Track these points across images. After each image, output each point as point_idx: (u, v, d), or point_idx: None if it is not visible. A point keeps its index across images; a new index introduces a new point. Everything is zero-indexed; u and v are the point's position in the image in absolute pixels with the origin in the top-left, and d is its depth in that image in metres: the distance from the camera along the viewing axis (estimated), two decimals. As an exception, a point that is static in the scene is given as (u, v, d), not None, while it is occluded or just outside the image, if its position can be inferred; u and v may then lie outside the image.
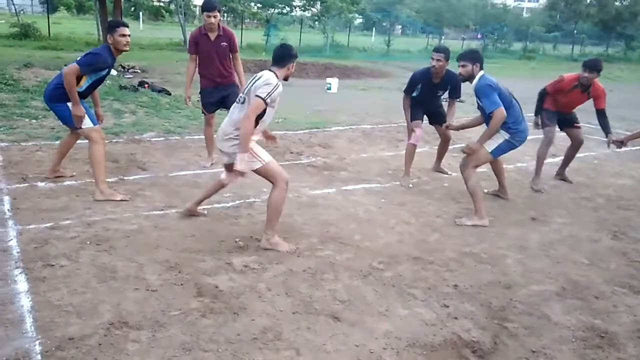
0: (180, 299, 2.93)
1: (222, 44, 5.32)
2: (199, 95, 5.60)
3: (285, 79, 3.67)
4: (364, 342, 2.65)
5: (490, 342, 2.72)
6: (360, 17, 40.08)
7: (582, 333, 2.85)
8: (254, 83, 3.52)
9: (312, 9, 27.75)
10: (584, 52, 32.53)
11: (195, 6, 44.54)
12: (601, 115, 5.44)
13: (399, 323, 2.86)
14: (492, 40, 31.79)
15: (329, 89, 12.56)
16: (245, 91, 3.60)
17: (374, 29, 38.50)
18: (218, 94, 5.45)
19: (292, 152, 6.42)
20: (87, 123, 4.39)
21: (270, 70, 3.59)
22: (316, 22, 28.43)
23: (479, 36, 38.29)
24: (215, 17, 5.20)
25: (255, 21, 31.77)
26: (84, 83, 4.32)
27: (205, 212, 4.25)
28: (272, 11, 27.78)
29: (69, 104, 4.27)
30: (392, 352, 2.59)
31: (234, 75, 5.50)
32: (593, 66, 5.25)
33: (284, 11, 27.63)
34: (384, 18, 36.42)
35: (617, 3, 40.95)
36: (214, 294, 3.01)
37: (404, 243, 3.95)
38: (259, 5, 29.13)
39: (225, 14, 34.85)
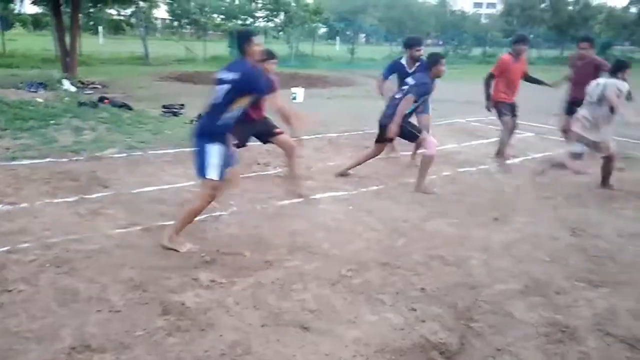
0: (145, 319, 2.88)
1: None
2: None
3: None
4: (333, 351, 2.66)
5: (457, 343, 2.76)
6: (324, 26, 40.44)
7: (545, 329, 2.92)
8: None
9: (275, 19, 27.81)
10: (541, 55, 33.50)
11: (156, 19, 44.10)
12: (529, 77, 6.79)
13: (368, 329, 2.87)
14: (452, 47, 32.48)
15: (295, 98, 12.59)
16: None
17: (337, 38, 38.89)
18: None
19: (259, 164, 6.41)
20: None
21: None
22: (280, 33, 28.53)
23: (440, 43, 39.10)
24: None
25: (219, 32, 31.65)
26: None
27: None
28: (235, 22, 27.71)
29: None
30: (361, 359, 2.60)
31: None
32: (523, 38, 6.85)
33: (247, 22, 27.60)
34: (348, 27, 36.85)
35: (569, 8, 42.48)
36: (180, 311, 2.97)
37: (372, 249, 3.98)
38: (222, 16, 29.04)
39: (188, 26, 34.66)
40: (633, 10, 44.68)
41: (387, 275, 3.54)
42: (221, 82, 3.66)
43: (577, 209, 5.03)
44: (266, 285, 3.31)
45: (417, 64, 6.29)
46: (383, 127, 5.50)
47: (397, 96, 5.52)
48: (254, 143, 7.43)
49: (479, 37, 36.66)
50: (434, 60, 5.45)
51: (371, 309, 3.08)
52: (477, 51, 33.95)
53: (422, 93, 5.42)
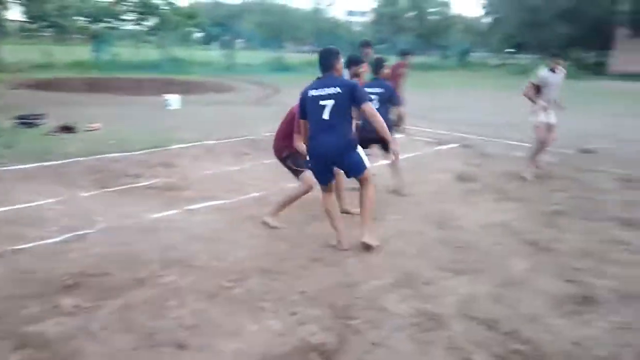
0: (-2, 355, 2.58)
1: None
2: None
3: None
4: (211, 366, 2.58)
5: (336, 342, 2.83)
6: (200, 31, 39.55)
7: (415, 319, 3.10)
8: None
9: (145, 23, 26.60)
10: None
11: (11, 21, 40.00)
12: None
13: (250, 339, 2.84)
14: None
15: (169, 105, 12.16)
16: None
17: (215, 42, 38.25)
18: None
19: (129, 175, 6.06)
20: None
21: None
22: (152, 37, 27.38)
23: (316, 49, 40.08)
24: None
25: (83, 36, 29.56)
26: None
27: None
28: (100, 25, 26.05)
29: None
30: (241, 371, 2.56)
31: None
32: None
33: (114, 25, 26.08)
34: (224, 32, 36.38)
35: (432, 17, 45.95)
36: (39, 342, 2.70)
37: (253, 257, 3.94)
38: (86, 19, 27.14)
39: (49, 29, 31.96)
40: (486, 20, 49.51)
41: (269, 281, 3.53)
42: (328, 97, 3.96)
43: (440, 205, 5.41)
44: (137, 305, 3.13)
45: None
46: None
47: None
48: (123, 153, 7.08)
49: (352, 44, 38.16)
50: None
51: (252, 318, 3.05)
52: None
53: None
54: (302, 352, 2.72)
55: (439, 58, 40.95)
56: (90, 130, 8.73)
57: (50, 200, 5.01)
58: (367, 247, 4.07)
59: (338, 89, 3.93)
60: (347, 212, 4.87)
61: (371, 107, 4.00)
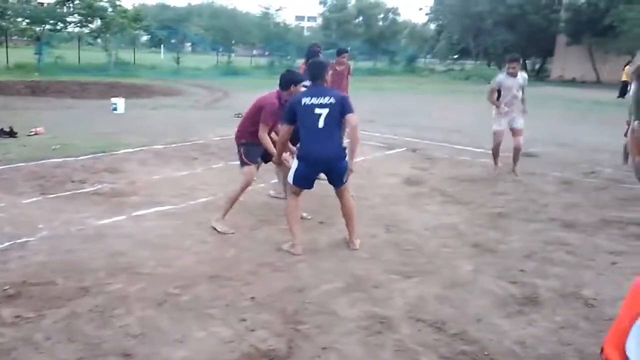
0: None
1: None
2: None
3: None
4: (159, 375, 2.53)
5: (286, 347, 2.83)
6: (146, 34, 38.66)
7: (365, 322, 3.14)
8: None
9: (90, 25, 25.73)
10: (357, 67, 36.16)
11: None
12: None
13: (197, 347, 2.80)
14: (277, 57, 33.47)
15: (115, 109, 11.81)
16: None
17: (162, 46, 37.48)
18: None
19: (73, 181, 5.85)
20: None
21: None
22: (97, 39, 26.51)
23: (266, 53, 40.00)
24: None
25: (25, 38, 28.24)
26: None
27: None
28: (43, 27, 24.98)
29: None
30: (190, 379, 2.52)
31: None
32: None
33: (57, 27, 25.07)
34: (172, 35, 35.70)
35: (379, 23, 46.76)
36: (-25, 356, 2.57)
37: (202, 263, 3.89)
38: (27, 20, 25.96)
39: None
40: (432, 26, 50.92)
41: (217, 288, 3.50)
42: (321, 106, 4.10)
43: (390, 208, 5.52)
44: (82, 314, 3.04)
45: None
46: None
47: None
48: (67, 159, 6.83)
49: (302, 49, 38.36)
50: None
51: (200, 325, 3.01)
52: (301, 62, 35.36)
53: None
54: (252, 359, 2.71)
55: (387, 63, 41.69)
56: (33, 134, 8.37)
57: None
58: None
59: (332, 99, 4.11)
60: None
61: (356, 119, 4.18)
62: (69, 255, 3.87)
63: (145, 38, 42.57)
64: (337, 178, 4.24)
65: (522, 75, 6.95)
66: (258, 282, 3.61)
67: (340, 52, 9.02)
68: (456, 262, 4.15)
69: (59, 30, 25.53)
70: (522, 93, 6.95)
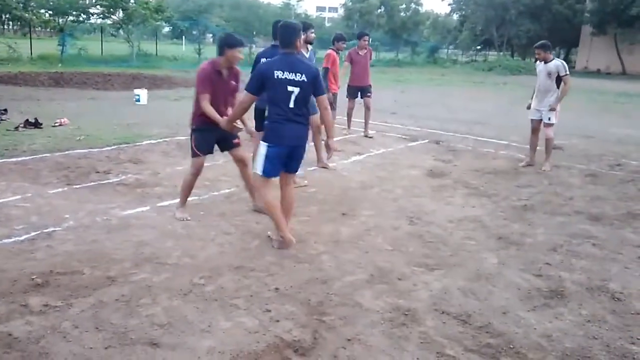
0: (-38, 358, 2.49)
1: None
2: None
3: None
4: (185, 364, 2.55)
5: (311, 338, 2.83)
6: (168, 25, 38.89)
7: (389, 314, 3.12)
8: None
9: (112, 16, 25.99)
10: (379, 58, 35.96)
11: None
12: None
13: (222, 337, 2.81)
14: (299, 48, 33.31)
15: (138, 100, 11.92)
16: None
17: (183, 37, 37.67)
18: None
19: (98, 172, 5.93)
20: None
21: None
22: (119, 31, 26.76)
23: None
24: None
25: (48, 30, 28.67)
26: None
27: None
28: (66, 19, 25.32)
29: None
30: (216, 369, 2.54)
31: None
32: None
33: (80, 19, 25.39)
34: (193, 26, 35.83)
35: (401, 14, 46.27)
36: (6, 343, 2.62)
37: (225, 254, 3.91)
38: (50, 12, 26.34)
39: (11, 22, 30.90)
40: (455, 17, 50.24)
41: (241, 278, 3.51)
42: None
43: (413, 200, 5.47)
44: (109, 303, 3.07)
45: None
46: None
47: None
48: (92, 150, 6.92)
49: (323, 40, 38.20)
50: None
51: (225, 316, 3.02)
52: (321, 53, 35.20)
53: None
54: (277, 350, 2.72)
55: (409, 54, 41.28)
56: (58, 125, 8.50)
57: (15, 198, 4.86)
58: (289, 244, 3.99)
59: (304, 77, 3.77)
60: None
61: (327, 101, 3.94)
62: (95, 245, 3.92)
63: (167, 29, 42.86)
64: (297, 164, 4.02)
65: (554, 63, 6.69)
66: (282, 273, 3.62)
67: (361, 35, 8.98)
68: (481, 254, 4.10)
69: (82, 22, 25.86)
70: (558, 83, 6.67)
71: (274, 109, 3.85)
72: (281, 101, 3.79)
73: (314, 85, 3.83)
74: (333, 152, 4.19)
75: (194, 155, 4.55)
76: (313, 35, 6.15)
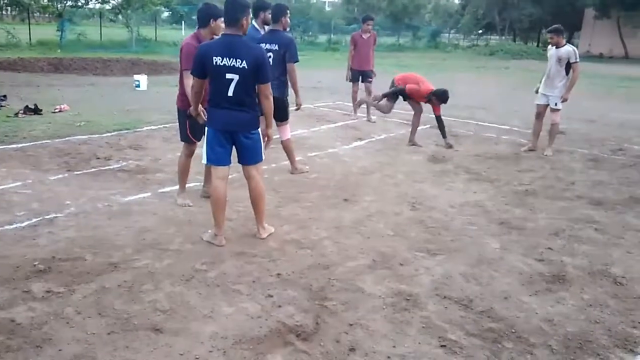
0: (-34, 343, 2.50)
1: None
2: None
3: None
4: (188, 349, 2.56)
5: (313, 323, 2.84)
6: (167, 10, 38.52)
7: (391, 299, 3.13)
8: None
9: (111, 1, 25.77)
10: (380, 43, 35.67)
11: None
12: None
13: (225, 322, 2.82)
14: (299, 33, 33.14)
15: (138, 86, 11.86)
16: None
17: (183, 22, 37.32)
18: None
19: (98, 158, 5.92)
20: None
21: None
22: (118, 16, 26.55)
23: (287, 29, 39.52)
24: None
25: (46, 15, 28.44)
26: None
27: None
28: (65, 4, 25.11)
29: None
30: (218, 354, 2.55)
31: None
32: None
33: (79, 4, 25.19)
34: (192, 11, 35.50)
35: (402, -2, 45.69)
36: (9, 329, 2.63)
37: (227, 239, 3.90)
38: (48, -3, 26.15)
39: (9, 8, 30.63)
40: (456, 1, 49.70)
41: (243, 264, 3.51)
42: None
43: (414, 185, 5.46)
44: (112, 289, 3.08)
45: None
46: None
47: None
48: (92, 136, 6.89)
49: (323, 24, 37.88)
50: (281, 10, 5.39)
51: (227, 301, 3.03)
52: (322, 38, 35.04)
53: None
54: (280, 334, 2.73)
55: (410, 39, 40.93)
56: (57, 111, 8.46)
57: (16, 184, 4.86)
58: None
59: (244, 64, 3.46)
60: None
61: (268, 90, 3.64)
62: (97, 231, 3.92)
63: (166, 14, 42.45)
64: (247, 152, 3.78)
65: (566, 48, 6.61)
66: (283, 259, 3.62)
67: (365, 19, 9.03)
68: (482, 239, 4.10)
69: (81, 7, 25.65)
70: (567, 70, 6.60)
71: (212, 95, 3.65)
72: (219, 89, 3.55)
73: (257, 72, 3.52)
74: (270, 143, 3.99)
75: (188, 140, 4.53)
76: (269, 16, 5.56)
